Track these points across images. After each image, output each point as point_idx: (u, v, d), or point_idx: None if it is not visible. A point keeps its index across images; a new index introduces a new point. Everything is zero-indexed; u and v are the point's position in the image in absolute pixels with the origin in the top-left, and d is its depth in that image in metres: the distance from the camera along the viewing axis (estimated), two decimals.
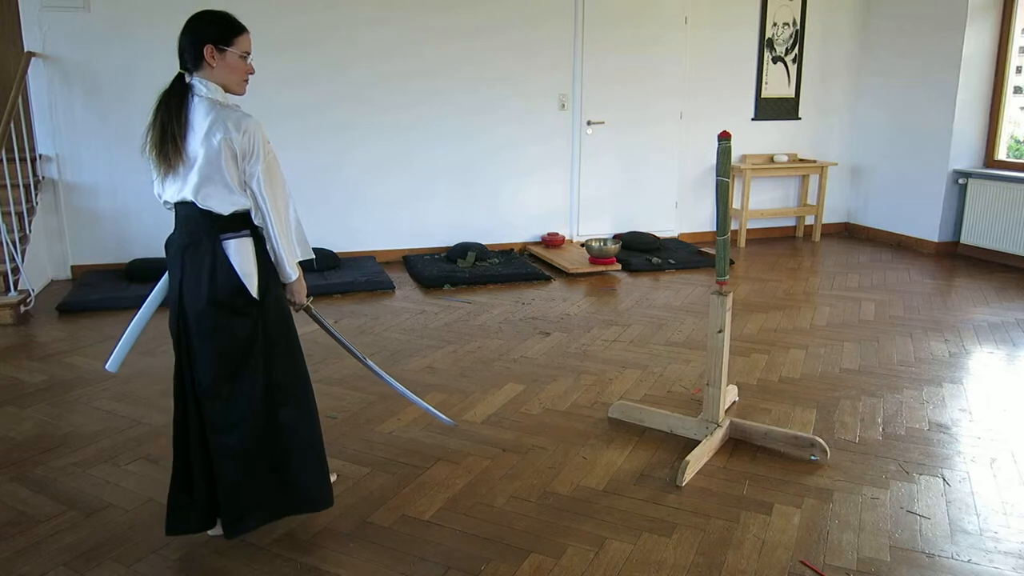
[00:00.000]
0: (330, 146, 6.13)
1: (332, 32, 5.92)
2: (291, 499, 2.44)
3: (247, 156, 2.17)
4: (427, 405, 2.98)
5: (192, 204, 2.20)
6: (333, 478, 2.66)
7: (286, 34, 5.79)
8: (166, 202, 2.30)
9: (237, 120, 2.16)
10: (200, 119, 2.16)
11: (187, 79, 2.23)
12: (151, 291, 2.44)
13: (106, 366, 2.47)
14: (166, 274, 2.36)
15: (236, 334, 2.26)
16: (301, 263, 2.39)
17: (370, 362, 2.84)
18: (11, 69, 5.70)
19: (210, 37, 2.19)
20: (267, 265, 2.30)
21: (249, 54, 2.28)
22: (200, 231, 2.22)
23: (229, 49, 2.22)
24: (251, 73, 2.30)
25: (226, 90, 2.27)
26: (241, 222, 2.24)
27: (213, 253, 2.22)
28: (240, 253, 2.24)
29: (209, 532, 2.46)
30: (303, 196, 6.09)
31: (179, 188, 2.21)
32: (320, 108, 6.02)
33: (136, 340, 2.46)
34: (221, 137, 2.13)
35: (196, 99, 2.20)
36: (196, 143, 2.16)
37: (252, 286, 2.25)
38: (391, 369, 3.89)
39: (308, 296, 2.49)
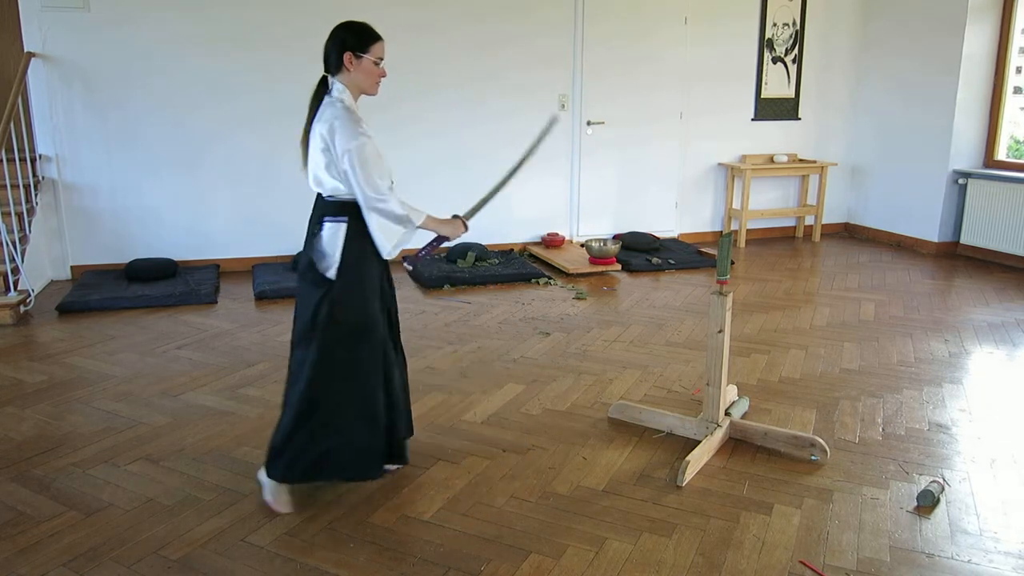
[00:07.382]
0: None
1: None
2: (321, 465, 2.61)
3: (331, 147, 2.43)
4: None
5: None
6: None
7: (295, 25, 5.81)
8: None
9: (331, 116, 2.43)
10: (322, 116, 2.47)
11: (329, 82, 2.52)
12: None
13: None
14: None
15: (310, 303, 2.54)
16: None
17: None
18: (11, 69, 5.71)
19: (349, 45, 2.47)
20: (355, 251, 2.52)
21: (382, 59, 2.54)
22: (314, 212, 2.58)
23: (365, 56, 2.48)
24: (383, 76, 2.56)
25: (361, 91, 2.55)
26: (341, 208, 2.51)
27: (314, 232, 2.54)
28: (329, 235, 2.51)
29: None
30: (302, 195, 6.10)
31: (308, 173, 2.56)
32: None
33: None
34: (320, 131, 2.44)
35: (327, 99, 2.50)
36: (315, 136, 2.47)
37: (328, 267, 2.49)
38: None
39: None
